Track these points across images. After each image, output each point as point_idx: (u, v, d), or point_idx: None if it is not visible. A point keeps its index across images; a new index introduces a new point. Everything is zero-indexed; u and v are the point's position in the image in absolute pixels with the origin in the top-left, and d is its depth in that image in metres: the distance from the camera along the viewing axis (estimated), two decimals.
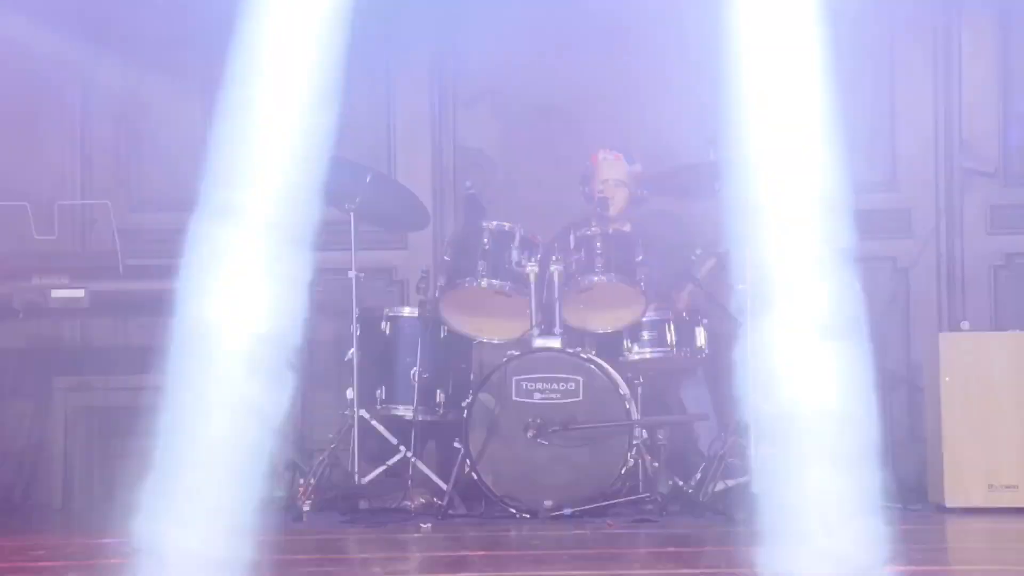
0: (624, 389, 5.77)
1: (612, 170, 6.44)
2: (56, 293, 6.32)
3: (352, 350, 6.03)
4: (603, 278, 5.93)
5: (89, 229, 7.16)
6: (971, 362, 5.71)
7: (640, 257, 5.98)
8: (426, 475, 6.07)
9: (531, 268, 5.91)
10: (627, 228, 6.43)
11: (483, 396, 5.76)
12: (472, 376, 6.26)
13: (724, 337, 6.73)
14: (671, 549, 4.76)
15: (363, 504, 5.96)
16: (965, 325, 5.84)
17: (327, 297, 7.12)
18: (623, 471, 5.69)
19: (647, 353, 6.10)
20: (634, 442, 5.70)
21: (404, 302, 6.95)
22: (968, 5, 6.85)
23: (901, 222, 6.88)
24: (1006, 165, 6.83)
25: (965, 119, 6.84)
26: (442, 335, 6.13)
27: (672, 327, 6.10)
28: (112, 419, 6.99)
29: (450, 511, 5.70)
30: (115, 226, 6.50)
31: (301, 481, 6.07)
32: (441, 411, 6.11)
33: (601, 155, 6.50)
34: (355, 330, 6.04)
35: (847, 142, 6.55)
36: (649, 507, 5.66)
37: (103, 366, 6.83)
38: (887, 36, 6.85)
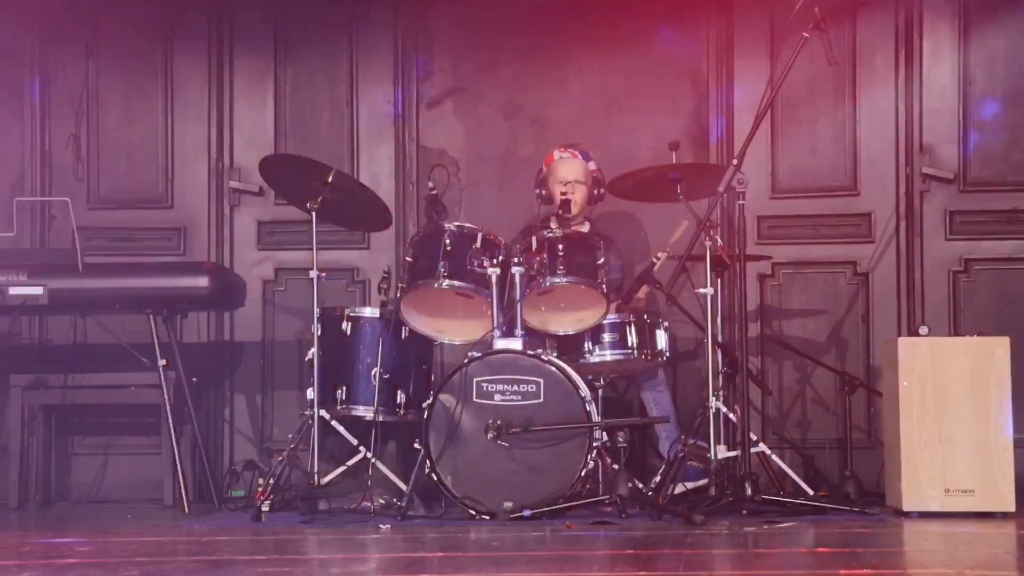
0: (585, 391, 5.77)
1: (570, 169, 6.45)
2: (14, 290, 6.26)
3: (313, 350, 6.01)
4: (564, 280, 5.92)
5: (48, 226, 7.11)
6: (929, 367, 5.73)
7: (601, 259, 5.97)
8: (386, 476, 6.05)
9: (492, 269, 5.89)
10: (584, 228, 6.43)
11: (444, 397, 5.75)
12: (433, 377, 6.25)
13: (685, 340, 6.76)
14: (629, 552, 4.77)
15: (322, 504, 5.95)
16: (924, 330, 5.86)
17: (288, 297, 7.11)
18: (583, 473, 5.69)
19: (608, 355, 6.11)
20: (594, 444, 5.70)
21: (366, 302, 6.94)
22: (929, 13, 6.89)
23: (861, 227, 6.91)
24: (965, 171, 6.87)
25: (925, 125, 6.88)
26: (403, 336, 6.12)
27: (633, 329, 6.10)
28: (70, 417, 6.94)
29: (409, 512, 5.69)
30: (75, 223, 6.46)
31: (260, 481, 6.04)
32: (402, 412, 6.10)
33: (556, 154, 6.50)
34: (316, 330, 6.01)
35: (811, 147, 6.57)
36: (608, 509, 5.66)
37: (61, 364, 6.78)
38: (849, 42, 6.88)
